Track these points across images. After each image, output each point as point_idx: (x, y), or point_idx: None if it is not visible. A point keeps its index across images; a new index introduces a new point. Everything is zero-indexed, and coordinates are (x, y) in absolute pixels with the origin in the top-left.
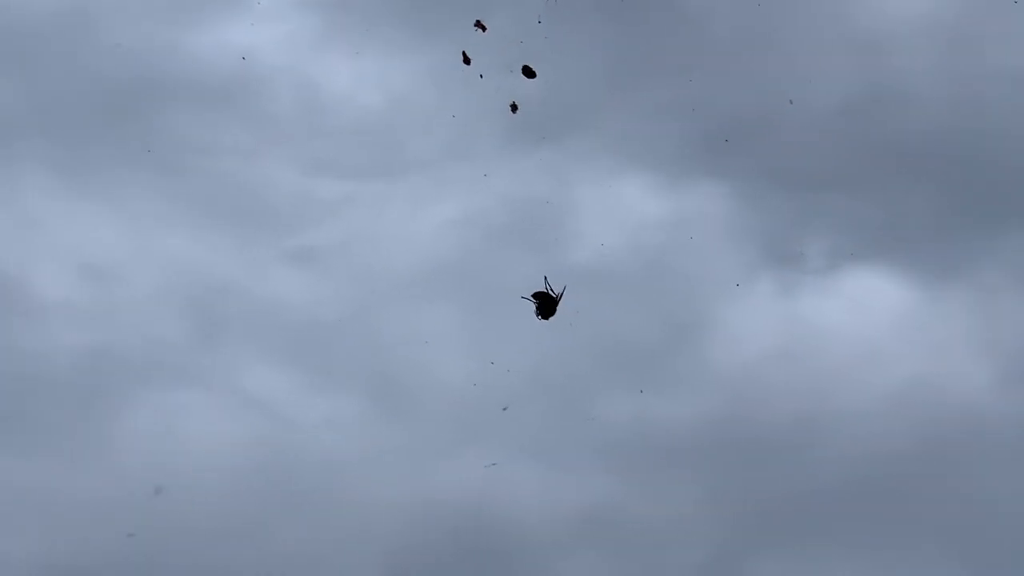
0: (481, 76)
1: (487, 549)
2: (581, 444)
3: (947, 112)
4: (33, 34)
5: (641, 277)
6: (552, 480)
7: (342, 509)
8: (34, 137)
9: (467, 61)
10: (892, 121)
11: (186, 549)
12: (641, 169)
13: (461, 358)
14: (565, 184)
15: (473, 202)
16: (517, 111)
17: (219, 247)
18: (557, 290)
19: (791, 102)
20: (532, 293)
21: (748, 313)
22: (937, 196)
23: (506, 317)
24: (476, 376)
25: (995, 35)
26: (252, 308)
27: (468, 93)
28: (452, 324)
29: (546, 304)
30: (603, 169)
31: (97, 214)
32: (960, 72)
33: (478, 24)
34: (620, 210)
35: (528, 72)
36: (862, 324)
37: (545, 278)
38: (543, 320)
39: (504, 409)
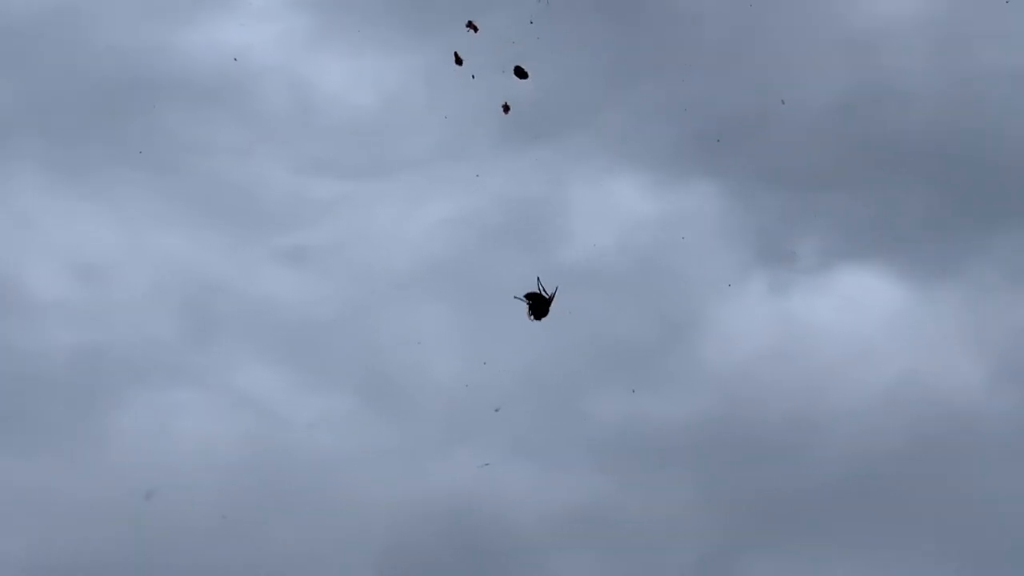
0: (473, 77)
1: (480, 548)
2: (574, 443)
3: (939, 111)
4: (26, 34)
5: (634, 276)
6: (545, 479)
7: (335, 508)
8: (28, 136)
9: (459, 62)
10: (884, 120)
11: (180, 547)
12: (633, 169)
13: (454, 358)
14: (558, 184)
15: (465, 202)
16: (509, 111)
17: (212, 246)
18: (549, 291)
19: (783, 102)
20: (525, 294)
21: (740, 312)
22: (929, 195)
23: (499, 317)
24: (469, 376)
25: (986, 34)
26: (245, 307)
27: (460, 93)
28: (445, 324)
29: (539, 305)
30: (596, 169)
31: (91, 213)
32: (952, 71)
33: (470, 25)
34: (612, 210)
35: (520, 72)
36: (854, 323)
37: (538, 279)
38: (535, 321)
39: (496, 410)
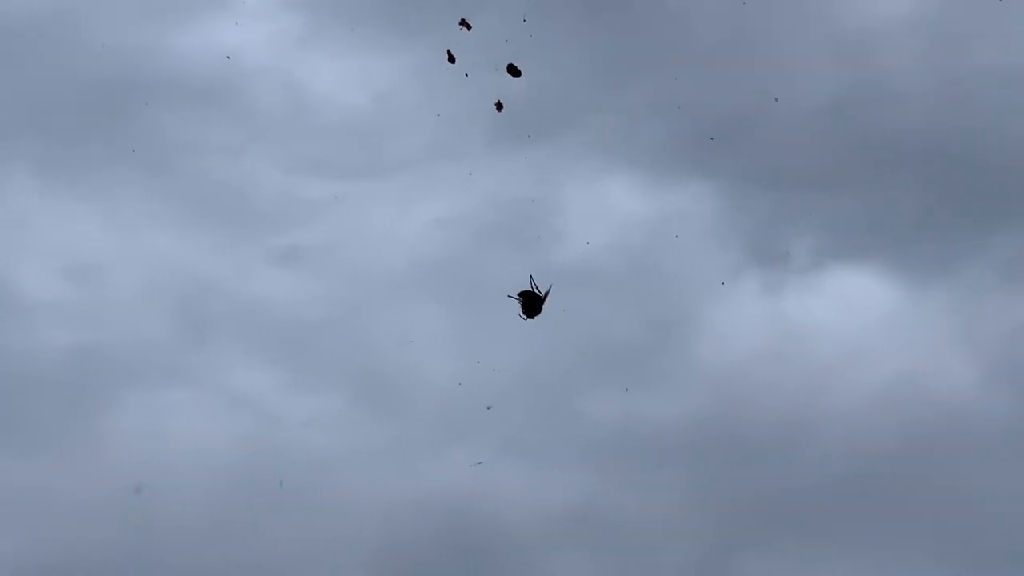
0: (466, 75)
1: (474, 547)
2: (567, 443)
3: (932, 111)
4: (18, 34)
5: (627, 276)
6: (539, 479)
7: (329, 508)
8: (20, 137)
9: (452, 60)
10: (877, 120)
11: (174, 547)
12: (627, 168)
13: (447, 357)
14: (551, 183)
15: (459, 202)
16: (502, 109)
17: (205, 246)
18: (543, 289)
19: (776, 100)
20: (518, 292)
21: (733, 312)
22: (922, 195)
23: (492, 316)
24: (462, 375)
25: (979, 34)
26: (238, 307)
27: (453, 92)
28: (439, 323)
29: (532, 303)
30: (589, 168)
31: (84, 213)
32: (945, 71)
33: (463, 23)
34: (606, 209)
35: (513, 71)
36: (848, 323)
37: (531, 277)
38: (528, 319)
39: (488, 408)
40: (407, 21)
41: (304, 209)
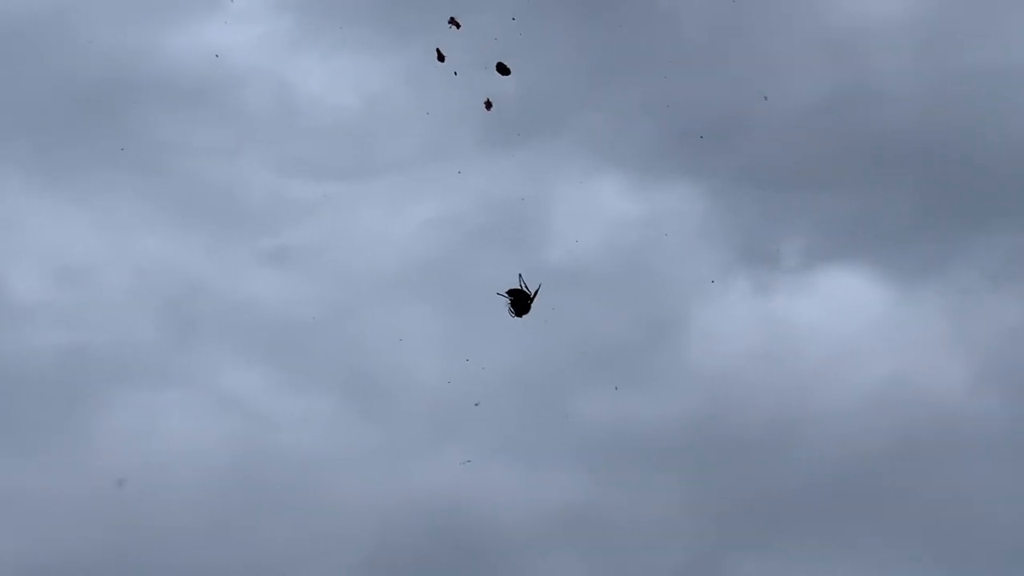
0: (456, 73)
1: (465, 548)
2: (558, 443)
3: (923, 111)
4: (7, 34)
5: (617, 276)
6: (530, 479)
7: (319, 508)
8: (10, 138)
9: (441, 58)
10: (868, 120)
11: (163, 548)
12: (616, 167)
13: (438, 357)
14: (541, 184)
15: (449, 202)
16: (491, 108)
17: (195, 247)
18: (532, 288)
19: (765, 99)
20: (507, 291)
21: (724, 312)
22: (912, 195)
23: (482, 316)
24: (453, 375)
25: (971, 34)
26: (228, 308)
27: (443, 92)
28: (429, 324)
29: (520, 302)
30: (579, 168)
31: (74, 215)
32: (935, 71)
33: (452, 21)
34: (596, 209)
35: (502, 69)
36: (838, 323)
37: (520, 275)
38: (517, 318)
39: (476, 404)
40: (396, 23)
41: (294, 210)
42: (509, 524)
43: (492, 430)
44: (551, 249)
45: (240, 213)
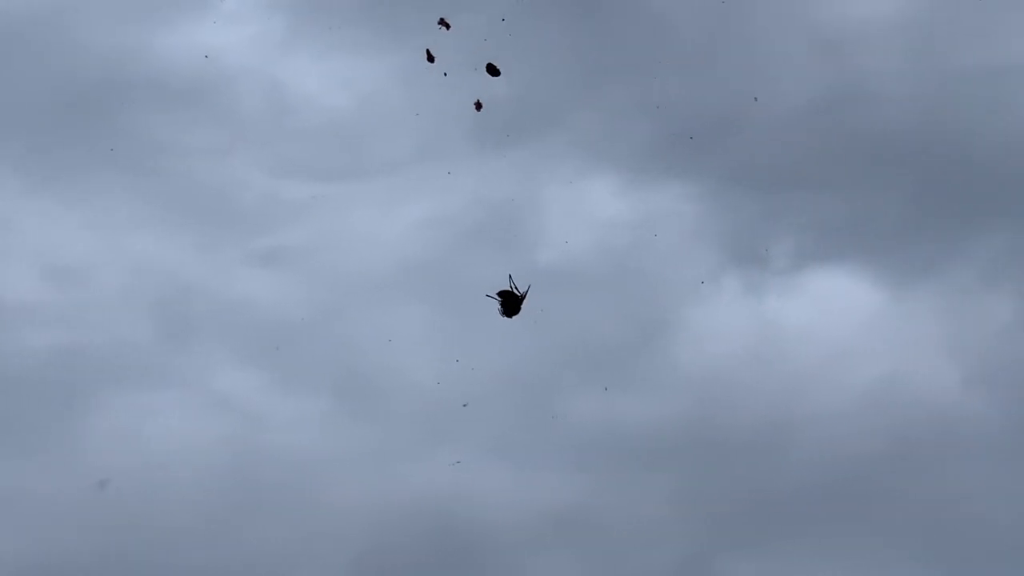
0: (445, 74)
1: (456, 549)
2: (549, 443)
3: (914, 111)
4: None
5: (608, 277)
6: (520, 479)
7: (310, 508)
8: (1, 139)
9: (431, 59)
10: (859, 120)
11: (155, 549)
12: (607, 168)
13: (429, 358)
14: (531, 184)
15: (440, 203)
16: (482, 109)
17: (186, 248)
18: (522, 289)
19: (756, 99)
20: (497, 291)
21: (714, 313)
22: (904, 196)
23: (473, 316)
24: (444, 376)
25: (961, 35)
26: (220, 309)
27: (434, 93)
28: (421, 325)
29: (510, 302)
30: (569, 169)
31: (64, 215)
32: (927, 72)
33: (442, 22)
34: (586, 210)
35: (492, 70)
36: (829, 324)
37: (510, 276)
38: (507, 318)
39: (464, 405)
40: (388, 23)
41: (286, 210)
42: (500, 524)
43: (483, 431)
44: (542, 250)
45: (232, 213)
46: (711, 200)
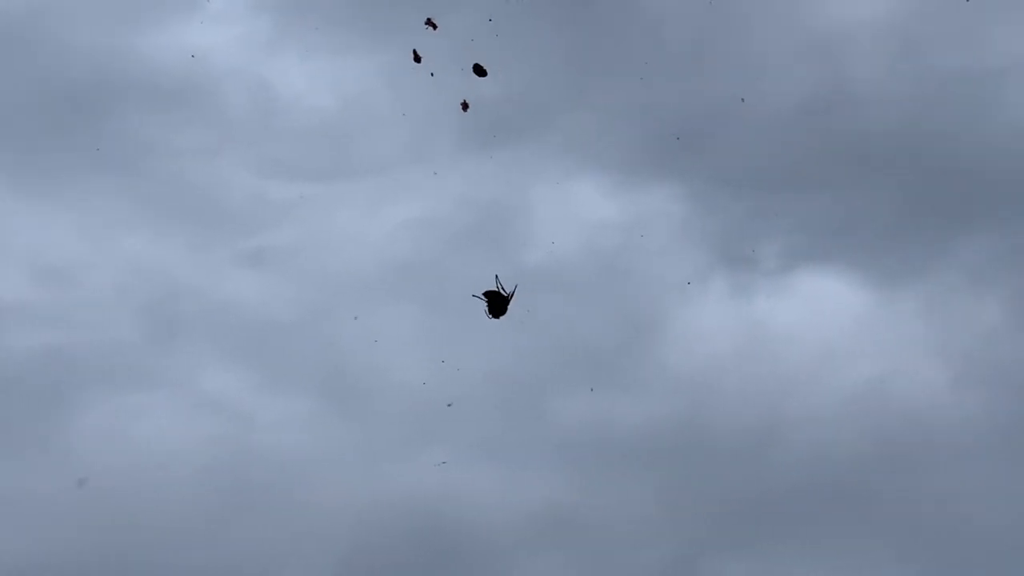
0: (432, 74)
1: (442, 549)
2: (535, 444)
3: (902, 113)
4: None
5: (596, 279)
6: (507, 480)
7: (297, 509)
8: None
9: (417, 59)
10: (846, 122)
11: (142, 549)
12: (594, 169)
13: (416, 359)
14: (519, 186)
15: (427, 204)
16: (468, 109)
17: (174, 248)
18: (508, 289)
19: (743, 100)
20: (483, 292)
21: (702, 314)
22: (892, 197)
23: (459, 317)
24: (430, 377)
25: (948, 37)
26: (207, 309)
27: (421, 94)
28: (408, 326)
29: (497, 303)
30: (557, 171)
31: (53, 215)
32: (914, 74)
33: (429, 22)
34: (574, 212)
35: (479, 71)
36: (817, 326)
37: (496, 277)
38: (493, 319)
39: (449, 405)
40: (374, 24)
41: (273, 211)
42: (486, 525)
43: (469, 431)
44: (528, 250)
45: (219, 214)
46: (699, 201)
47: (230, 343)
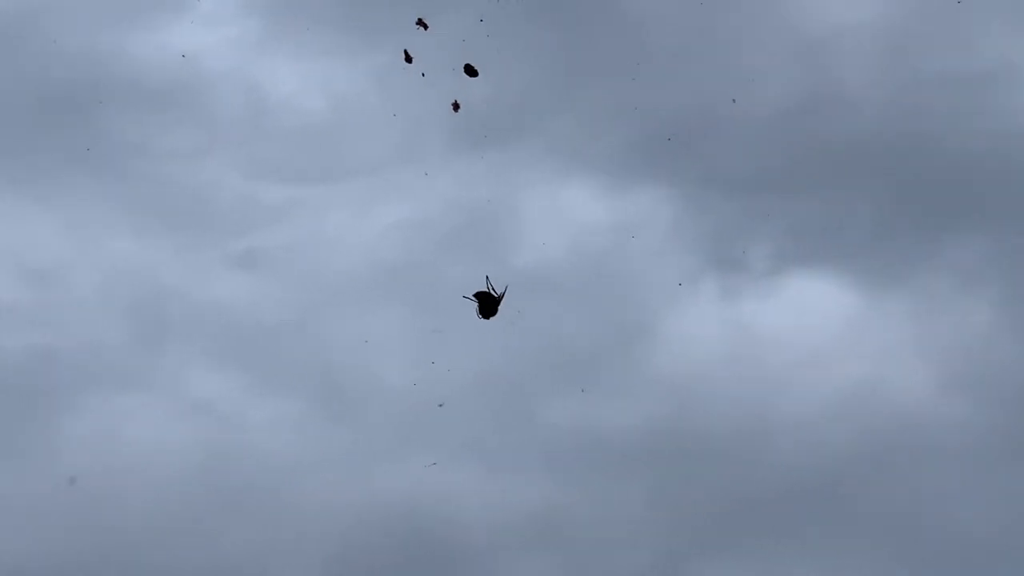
0: (423, 75)
1: (431, 551)
2: (525, 446)
3: (890, 116)
4: None
5: (585, 281)
6: (496, 482)
7: (285, 512)
8: None
9: (408, 59)
10: (835, 125)
11: (130, 552)
12: (584, 171)
13: (406, 361)
14: (508, 186)
15: (417, 206)
16: (459, 110)
17: (162, 250)
18: (499, 290)
19: (734, 102)
20: (474, 293)
21: (691, 317)
22: (881, 200)
23: (449, 318)
24: (420, 379)
25: (937, 39)
26: (195, 311)
27: (412, 94)
28: (397, 327)
29: (487, 304)
30: (547, 173)
31: (40, 216)
32: (903, 76)
33: (420, 22)
34: (564, 214)
35: (470, 71)
36: (806, 328)
37: (487, 277)
38: (484, 320)
39: (440, 406)
40: (365, 25)
41: (263, 213)
42: (475, 526)
43: (459, 433)
44: (519, 252)
45: (208, 216)
46: (688, 203)
47: (219, 344)
